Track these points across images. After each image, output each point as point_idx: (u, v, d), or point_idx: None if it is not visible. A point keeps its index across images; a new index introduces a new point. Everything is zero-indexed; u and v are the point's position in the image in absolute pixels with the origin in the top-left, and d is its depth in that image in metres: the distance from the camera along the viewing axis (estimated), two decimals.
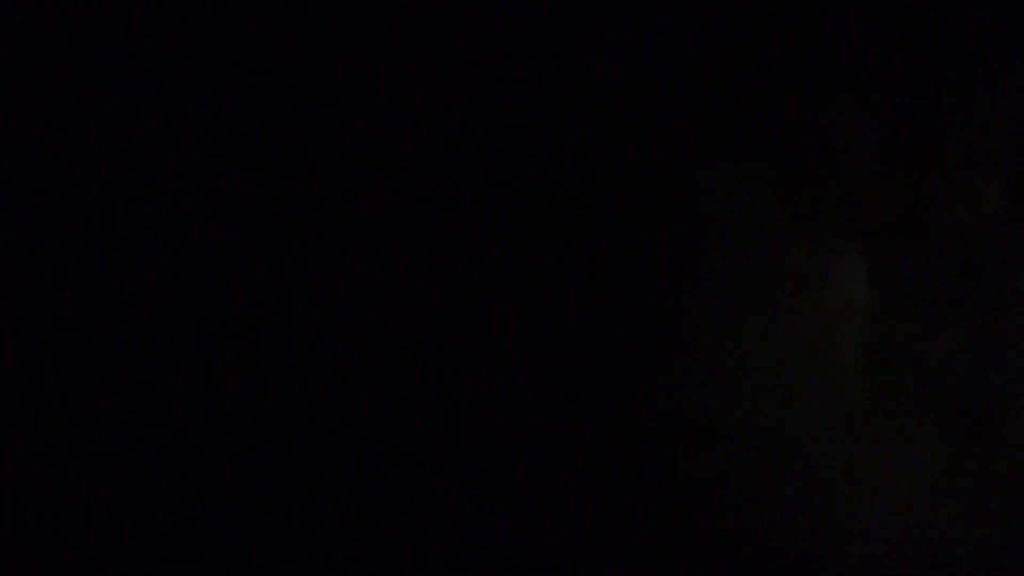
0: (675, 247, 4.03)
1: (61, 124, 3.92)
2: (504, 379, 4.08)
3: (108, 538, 3.83)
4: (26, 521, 3.81)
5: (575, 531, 3.95)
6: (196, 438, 3.92)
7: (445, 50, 4.07)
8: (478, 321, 4.10)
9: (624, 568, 3.94)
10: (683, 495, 4.02)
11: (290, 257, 4.12)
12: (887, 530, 3.98)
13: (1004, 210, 4.08)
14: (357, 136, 4.19)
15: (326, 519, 3.92)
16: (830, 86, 4.12)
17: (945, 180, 4.25)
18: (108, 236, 3.99)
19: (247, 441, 3.96)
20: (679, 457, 4.01)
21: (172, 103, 4.02)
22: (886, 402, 4.08)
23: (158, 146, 4.03)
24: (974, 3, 4.10)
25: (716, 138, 4.13)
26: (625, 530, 3.97)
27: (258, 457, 3.96)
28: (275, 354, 4.04)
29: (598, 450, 4.06)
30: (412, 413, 4.10)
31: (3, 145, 3.87)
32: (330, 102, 4.13)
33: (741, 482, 3.92)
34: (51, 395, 3.88)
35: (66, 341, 3.94)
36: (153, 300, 4.00)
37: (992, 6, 4.12)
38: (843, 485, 3.98)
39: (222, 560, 3.84)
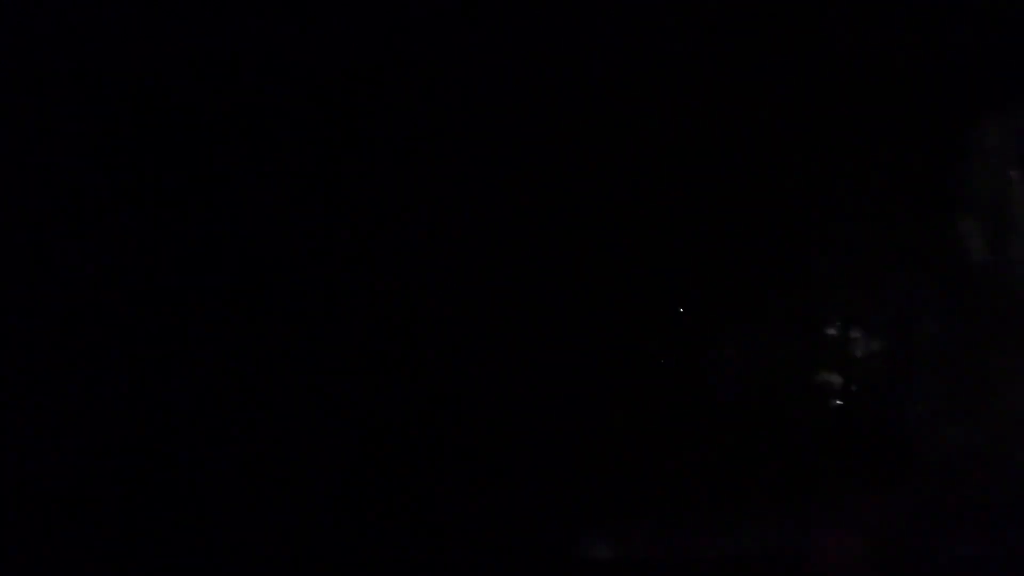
0: None
1: (61, 124, 3.93)
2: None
3: (108, 538, 3.84)
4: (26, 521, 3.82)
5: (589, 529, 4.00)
6: (196, 438, 3.93)
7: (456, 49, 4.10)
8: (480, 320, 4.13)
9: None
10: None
11: (289, 256, 4.13)
12: None
13: None
14: (357, 136, 4.20)
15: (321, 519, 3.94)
16: None
17: None
18: (106, 235, 4.00)
19: (247, 441, 3.98)
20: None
21: (171, 103, 4.03)
22: None
23: (157, 145, 4.04)
24: None
25: None
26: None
27: (257, 458, 3.98)
28: (274, 354, 4.05)
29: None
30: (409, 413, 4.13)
31: (3, 145, 3.88)
32: (330, 102, 4.14)
33: None
34: (51, 395, 3.89)
35: (64, 340, 3.95)
36: (154, 298, 4.01)
37: None
38: None
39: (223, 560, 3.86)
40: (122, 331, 4.00)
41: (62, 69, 3.91)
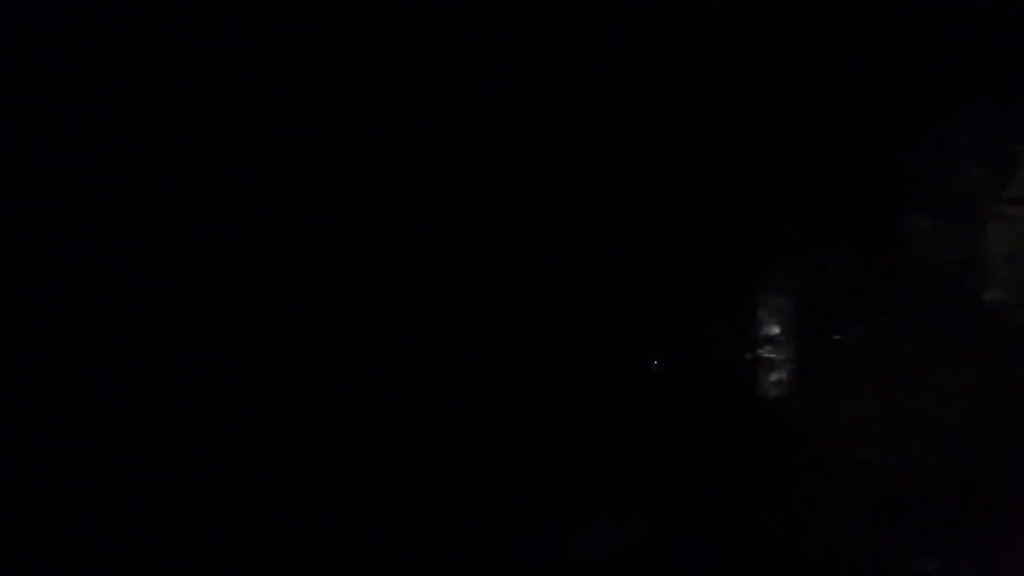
0: None
1: (61, 124, 3.92)
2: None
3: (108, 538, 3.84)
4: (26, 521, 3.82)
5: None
6: (196, 439, 3.93)
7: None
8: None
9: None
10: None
11: (289, 257, 4.13)
12: None
13: None
14: (357, 136, 4.20)
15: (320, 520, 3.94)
16: None
17: None
18: (107, 235, 4.00)
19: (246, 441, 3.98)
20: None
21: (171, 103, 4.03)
22: None
23: (157, 145, 4.04)
24: None
25: None
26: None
27: (256, 458, 3.98)
28: (274, 354, 4.06)
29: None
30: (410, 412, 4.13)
31: (3, 145, 3.87)
32: (331, 102, 4.14)
33: None
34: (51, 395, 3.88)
35: (63, 340, 3.94)
36: (153, 298, 4.01)
37: None
38: None
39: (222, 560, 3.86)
40: (122, 331, 4.00)
41: (62, 69, 3.91)
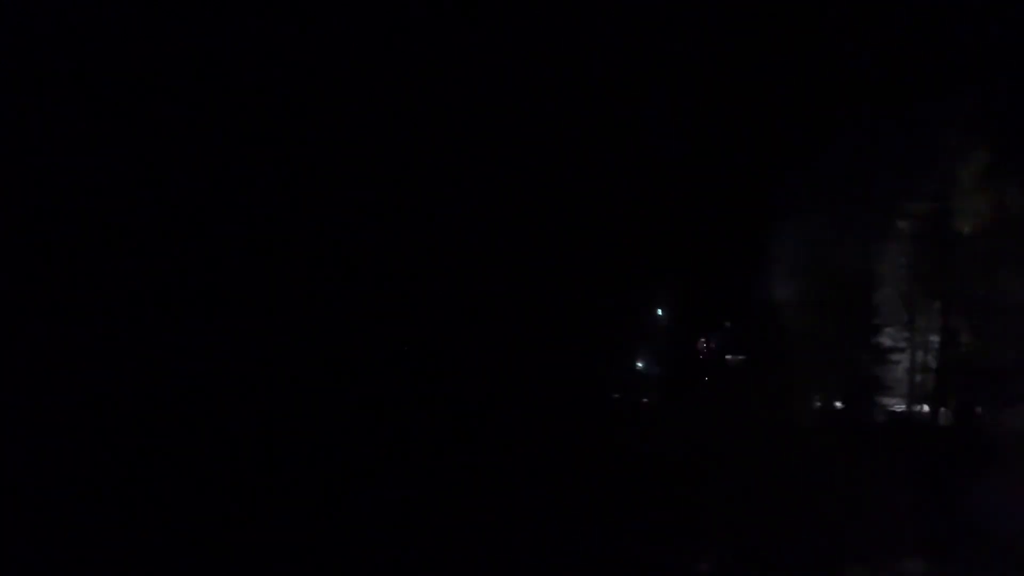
0: None
1: (61, 124, 3.91)
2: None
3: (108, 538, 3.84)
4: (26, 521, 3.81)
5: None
6: (196, 439, 3.94)
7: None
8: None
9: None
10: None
11: (289, 257, 4.14)
12: None
13: None
14: (355, 137, 4.21)
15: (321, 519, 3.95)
16: None
17: None
18: (107, 235, 3.99)
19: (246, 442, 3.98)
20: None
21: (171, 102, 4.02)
22: None
23: (157, 145, 4.03)
24: None
25: None
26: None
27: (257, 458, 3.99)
28: (275, 355, 4.06)
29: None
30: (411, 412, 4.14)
31: (3, 145, 3.86)
32: (330, 103, 4.14)
33: None
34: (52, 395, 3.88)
35: (65, 342, 3.94)
36: (153, 299, 4.01)
37: None
38: None
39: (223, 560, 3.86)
40: (122, 331, 4.01)
41: (62, 69, 3.91)
